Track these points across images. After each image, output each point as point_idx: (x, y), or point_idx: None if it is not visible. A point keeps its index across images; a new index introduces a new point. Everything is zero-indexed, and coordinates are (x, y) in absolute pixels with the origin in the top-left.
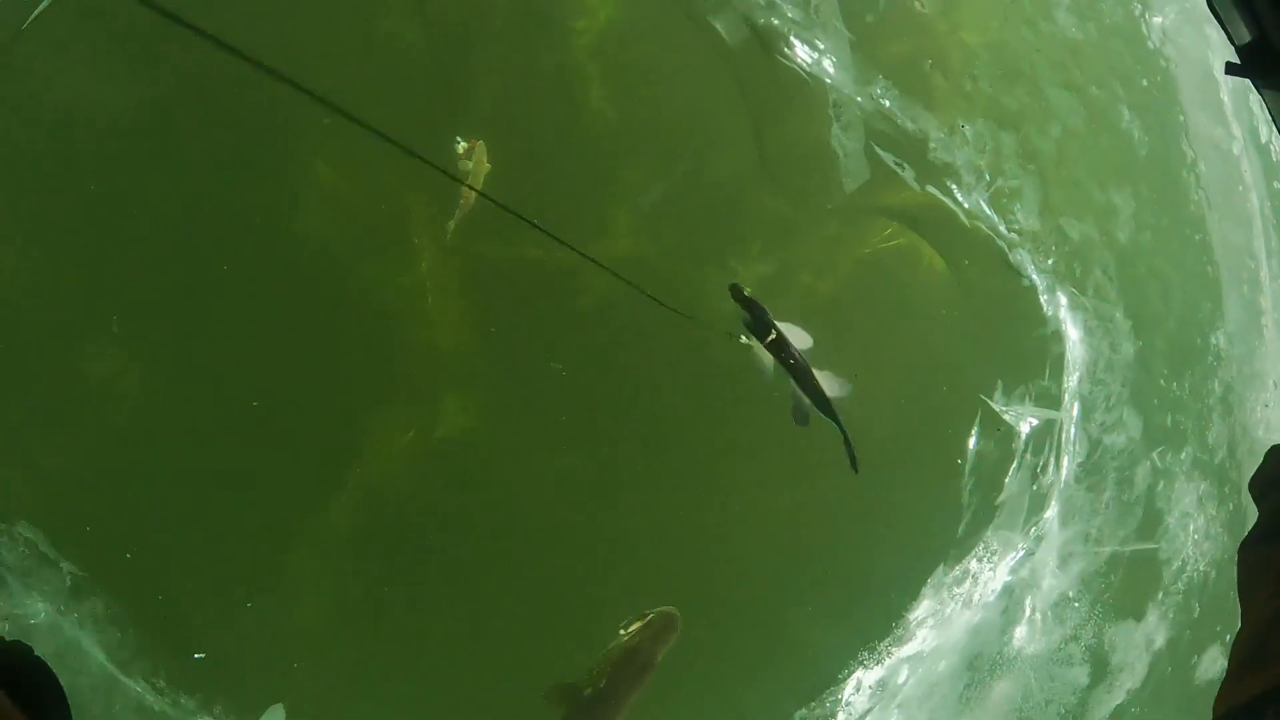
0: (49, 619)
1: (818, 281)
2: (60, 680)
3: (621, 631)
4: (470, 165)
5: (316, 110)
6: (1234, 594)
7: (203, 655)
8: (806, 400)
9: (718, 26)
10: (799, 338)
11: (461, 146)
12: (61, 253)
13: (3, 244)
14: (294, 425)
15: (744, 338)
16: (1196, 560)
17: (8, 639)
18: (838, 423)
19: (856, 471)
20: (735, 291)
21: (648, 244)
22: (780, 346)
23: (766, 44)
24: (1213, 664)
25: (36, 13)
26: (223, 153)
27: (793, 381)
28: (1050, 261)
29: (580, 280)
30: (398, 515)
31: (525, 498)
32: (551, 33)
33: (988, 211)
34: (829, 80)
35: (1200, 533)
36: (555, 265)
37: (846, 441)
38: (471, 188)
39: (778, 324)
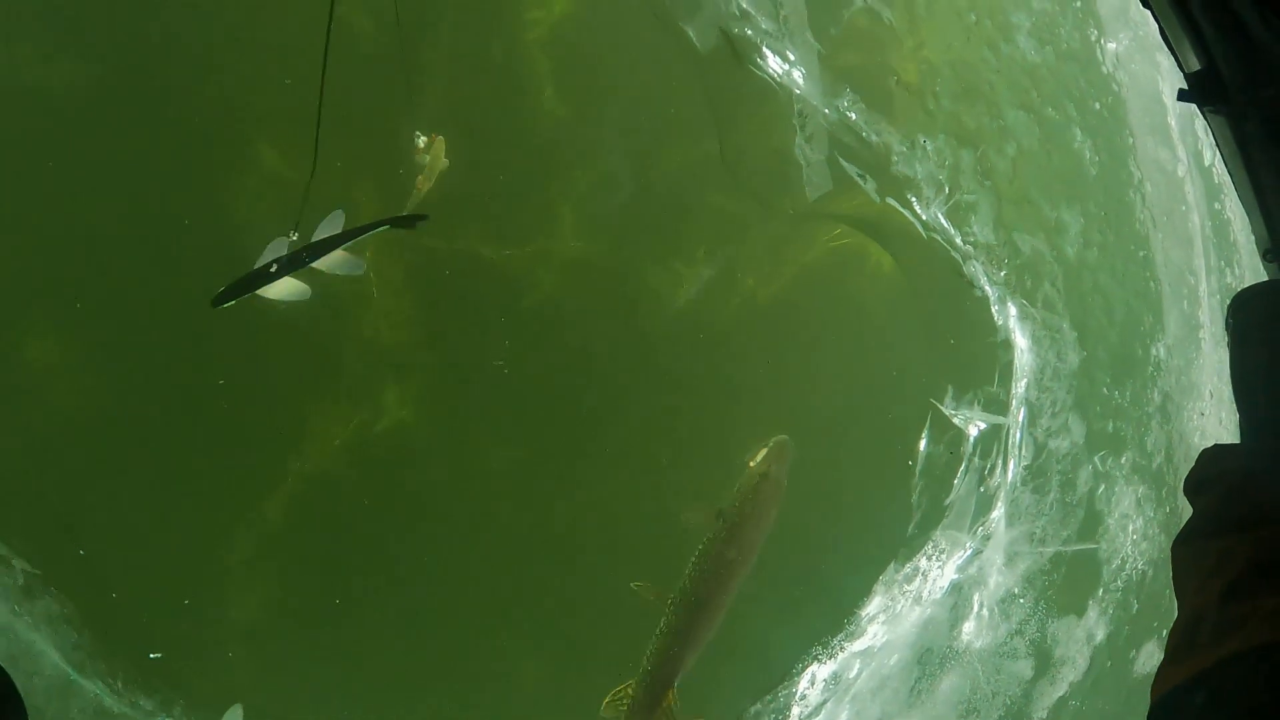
0: (3, 619)
1: (768, 285)
2: (15, 683)
3: (750, 463)
4: (427, 159)
5: (259, 90)
6: (1170, 591)
7: (159, 655)
8: (337, 251)
9: (689, 32)
10: (272, 250)
11: (421, 141)
12: None
13: None
14: (236, 416)
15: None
16: (1135, 559)
17: None
18: (371, 226)
19: (415, 225)
20: (220, 301)
21: (592, 241)
22: (284, 266)
23: (739, 53)
24: (1150, 657)
25: None
26: (162, 134)
27: (322, 262)
28: (1002, 274)
29: (526, 277)
30: (339, 508)
31: (466, 490)
32: (503, 22)
33: (945, 224)
34: (797, 91)
35: (1138, 533)
36: (502, 262)
37: (393, 219)
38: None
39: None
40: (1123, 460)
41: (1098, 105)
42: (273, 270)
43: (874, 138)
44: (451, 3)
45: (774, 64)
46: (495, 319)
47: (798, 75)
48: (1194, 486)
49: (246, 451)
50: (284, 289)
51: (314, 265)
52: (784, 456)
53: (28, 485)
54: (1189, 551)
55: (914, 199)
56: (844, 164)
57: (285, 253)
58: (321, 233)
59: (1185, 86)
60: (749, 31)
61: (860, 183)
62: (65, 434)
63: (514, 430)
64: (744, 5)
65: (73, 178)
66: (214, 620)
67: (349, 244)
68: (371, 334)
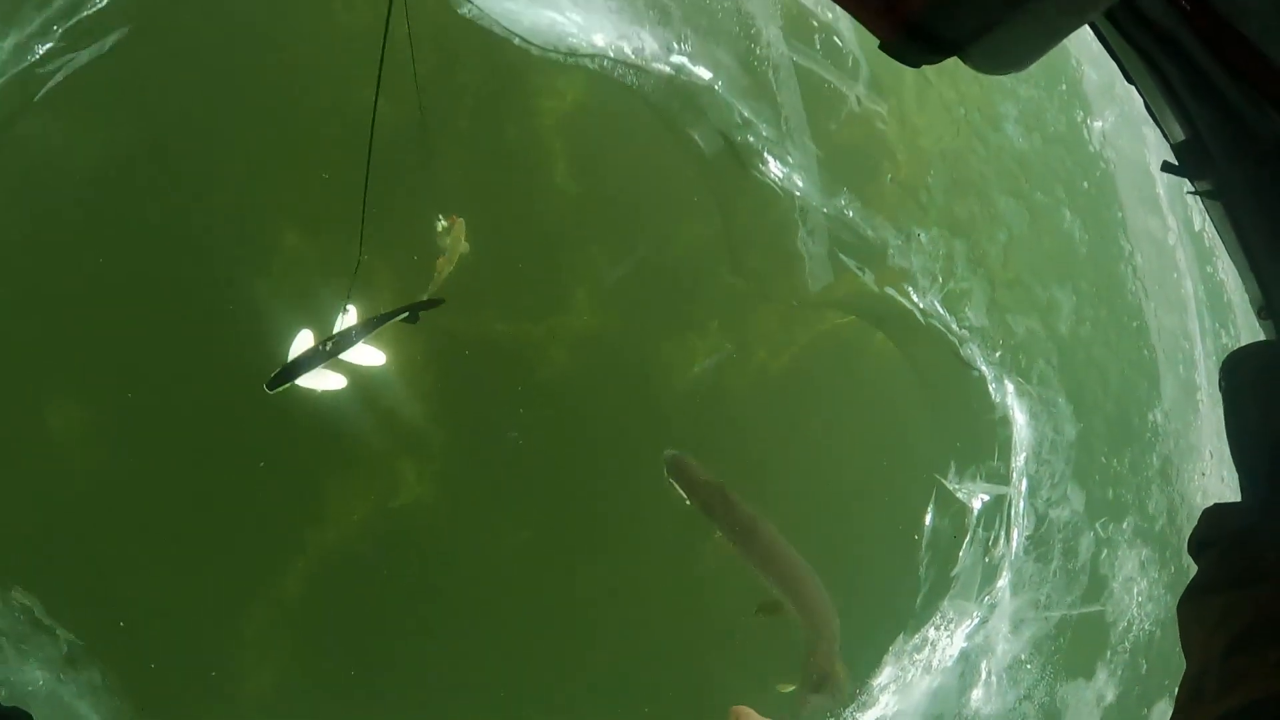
0: (48, 686)
1: (777, 359)
2: None
3: (687, 498)
4: (448, 242)
5: (286, 173)
6: (1179, 649)
7: None
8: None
9: (695, 136)
10: (302, 341)
11: (441, 224)
12: (33, 314)
13: None
14: (257, 490)
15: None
16: (1141, 620)
17: (7, 705)
18: (391, 315)
19: (416, 317)
20: (274, 385)
21: (607, 319)
22: (319, 355)
23: (742, 158)
24: (1162, 716)
25: (49, 86)
26: (193, 211)
27: (351, 344)
28: (998, 354)
29: (540, 353)
30: (355, 582)
31: (481, 568)
32: (518, 110)
33: (941, 311)
34: (798, 193)
35: (1144, 594)
36: (520, 339)
37: (410, 306)
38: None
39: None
40: (1124, 525)
41: (1086, 184)
42: (327, 348)
43: (870, 232)
44: (469, 91)
45: (775, 168)
46: (511, 394)
47: (798, 178)
48: (1197, 545)
49: (268, 524)
50: (322, 379)
51: (340, 356)
52: (687, 464)
53: (73, 559)
54: (1193, 609)
55: (911, 288)
56: (843, 258)
57: (311, 344)
58: (339, 326)
59: (1170, 159)
60: (750, 138)
61: (859, 275)
62: (104, 509)
63: (530, 506)
64: (745, 114)
65: (105, 251)
66: (239, 690)
67: (371, 335)
68: (391, 410)
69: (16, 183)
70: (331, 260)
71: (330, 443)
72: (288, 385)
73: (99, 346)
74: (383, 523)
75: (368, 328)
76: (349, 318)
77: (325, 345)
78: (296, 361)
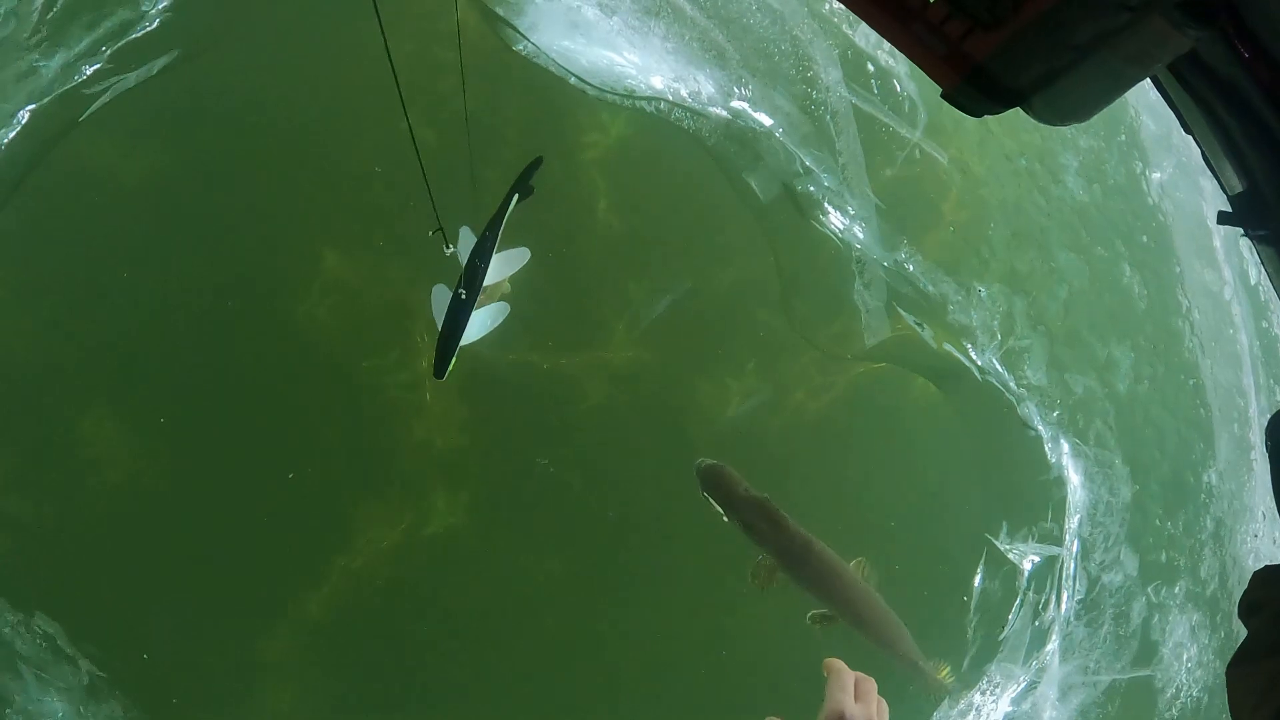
0: (68, 719)
1: (816, 402)
2: None
3: (724, 515)
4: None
5: (329, 196)
6: (1228, 716)
7: None
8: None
9: (751, 183)
10: (439, 299)
11: None
12: (70, 332)
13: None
14: (286, 514)
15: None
16: (1190, 686)
17: None
18: (504, 208)
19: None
20: (441, 371)
21: (645, 353)
22: (464, 306)
23: (802, 208)
24: None
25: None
26: (234, 233)
27: (493, 272)
28: (1055, 414)
29: (576, 388)
30: (381, 610)
31: (509, 599)
32: (562, 142)
33: (999, 369)
34: (858, 245)
35: (1193, 660)
36: (554, 371)
37: (516, 187)
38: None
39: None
40: (1176, 589)
41: (1145, 238)
42: (464, 294)
43: (930, 287)
44: (511, 121)
45: (835, 219)
46: (546, 426)
47: (858, 229)
48: (1247, 609)
49: (296, 548)
50: (484, 321)
51: (488, 283)
52: (725, 474)
53: (97, 586)
54: (1242, 674)
55: (969, 345)
56: (902, 313)
57: (450, 294)
58: (465, 251)
59: (1227, 209)
60: (811, 188)
61: (918, 330)
62: (129, 534)
63: (561, 541)
64: (807, 162)
65: (138, 262)
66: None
67: (499, 241)
68: (425, 439)
69: (58, 200)
70: (372, 280)
71: (362, 466)
72: (454, 360)
73: (131, 368)
74: (411, 550)
75: (490, 241)
76: (463, 245)
77: (461, 292)
78: (447, 330)
